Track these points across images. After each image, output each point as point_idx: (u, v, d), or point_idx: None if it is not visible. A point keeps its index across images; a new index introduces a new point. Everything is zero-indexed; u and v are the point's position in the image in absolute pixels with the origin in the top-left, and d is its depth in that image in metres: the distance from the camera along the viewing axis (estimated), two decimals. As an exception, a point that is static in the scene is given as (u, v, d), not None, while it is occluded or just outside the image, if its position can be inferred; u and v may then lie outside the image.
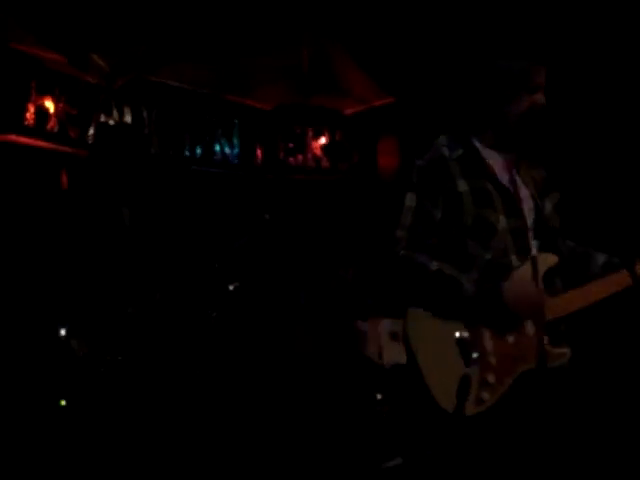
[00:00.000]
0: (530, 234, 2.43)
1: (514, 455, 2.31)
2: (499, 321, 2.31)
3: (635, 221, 3.90)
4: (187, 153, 5.79)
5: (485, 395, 2.27)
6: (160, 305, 3.65)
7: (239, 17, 4.90)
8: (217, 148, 5.98)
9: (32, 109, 4.81)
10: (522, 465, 2.32)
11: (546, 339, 2.33)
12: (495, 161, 2.48)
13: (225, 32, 5.09)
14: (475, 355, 2.24)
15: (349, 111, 6.59)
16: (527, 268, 2.34)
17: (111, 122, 5.33)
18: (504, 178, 2.46)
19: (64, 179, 5.25)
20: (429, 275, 2.33)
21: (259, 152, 6.25)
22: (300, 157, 6.41)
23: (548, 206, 2.50)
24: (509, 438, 2.31)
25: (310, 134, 6.47)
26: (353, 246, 5.72)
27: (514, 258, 2.38)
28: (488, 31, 4.50)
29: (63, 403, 3.85)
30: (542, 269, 2.37)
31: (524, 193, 2.46)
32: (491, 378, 2.29)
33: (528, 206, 2.45)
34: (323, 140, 6.51)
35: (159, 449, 3.56)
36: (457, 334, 2.26)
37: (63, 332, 3.38)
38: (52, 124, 4.93)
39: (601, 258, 2.52)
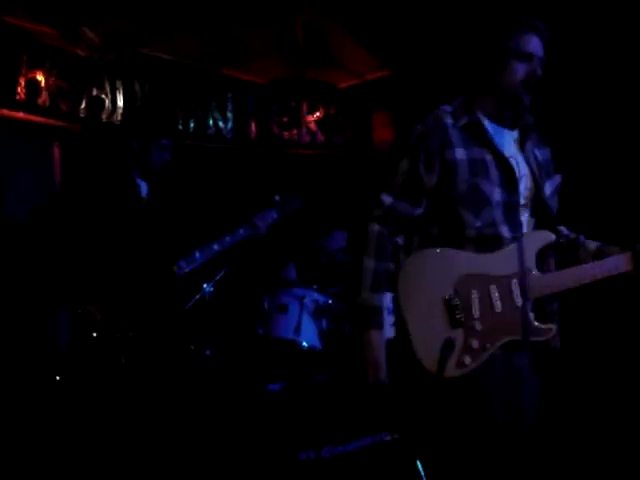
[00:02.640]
0: (523, 209, 2.46)
1: (489, 418, 2.35)
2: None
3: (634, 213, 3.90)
4: (180, 127, 5.75)
5: (467, 359, 2.32)
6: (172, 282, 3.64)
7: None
8: (210, 122, 5.94)
9: (23, 83, 4.75)
10: (502, 438, 2.36)
11: (532, 315, 2.36)
12: (499, 134, 2.49)
13: (219, 4, 5.04)
14: (461, 318, 2.32)
15: (343, 85, 6.55)
16: (515, 255, 2.37)
17: (104, 97, 5.29)
18: (505, 151, 2.46)
19: (57, 153, 5.22)
20: (361, 266, 2.47)
21: (253, 126, 6.21)
22: (295, 131, 6.38)
23: (548, 187, 2.52)
24: (487, 403, 2.34)
25: (304, 108, 6.42)
26: (349, 220, 5.70)
27: (504, 230, 2.41)
28: (483, 5, 4.46)
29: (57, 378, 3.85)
30: (536, 245, 2.40)
31: (524, 170, 2.48)
32: (475, 343, 2.33)
33: (526, 183, 2.48)
34: (317, 114, 6.47)
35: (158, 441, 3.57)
36: (446, 296, 2.34)
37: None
38: (43, 98, 4.88)
39: (592, 245, 2.53)
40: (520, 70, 2.40)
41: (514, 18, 2.45)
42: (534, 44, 2.42)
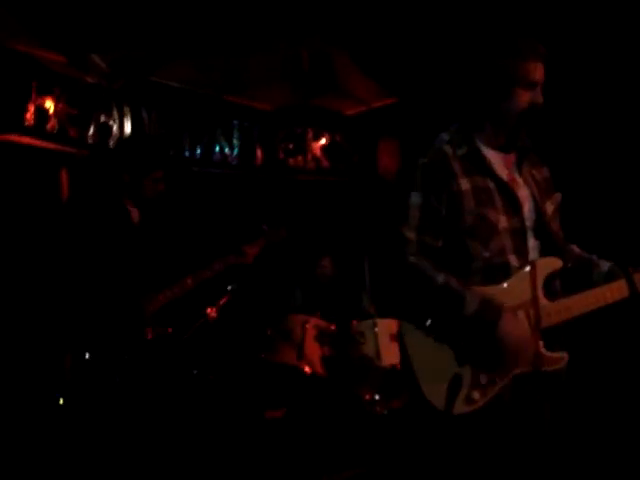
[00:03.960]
0: (529, 234, 2.44)
1: (503, 456, 2.32)
2: (486, 351, 2.29)
3: (635, 229, 3.90)
4: (187, 154, 5.79)
5: (476, 395, 2.28)
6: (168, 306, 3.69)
7: (239, 17, 4.90)
8: (217, 149, 5.98)
9: (32, 109, 4.81)
10: (511, 467, 2.34)
11: (542, 344, 2.33)
12: (497, 160, 2.48)
13: (225, 32, 5.09)
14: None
15: (349, 112, 6.58)
16: (526, 284, 2.33)
17: (112, 123, 5.35)
18: (505, 177, 2.46)
19: (64, 179, 5.27)
20: (435, 289, 2.32)
21: (259, 153, 6.24)
22: (300, 158, 6.40)
23: (549, 207, 2.50)
24: (499, 440, 2.32)
25: (310, 135, 6.46)
26: (352, 247, 5.73)
27: (512, 258, 2.39)
28: (487, 31, 4.50)
29: (61, 402, 3.86)
30: (543, 273, 2.37)
31: (524, 193, 2.47)
32: (483, 379, 2.29)
33: (528, 206, 2.46)
34: (323, 141, 6.50)
35: (158, 442, 3.58)
36: None
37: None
38: (52, 124, 4.94)
39: (605, 266, 2.52)
40: (524, 98, 2.40)
41: (519, 44, 2.42)
42: (538, 72, 2.41)
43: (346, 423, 4.39)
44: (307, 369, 4.43)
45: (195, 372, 4.34)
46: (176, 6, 4.68)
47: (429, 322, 2.35)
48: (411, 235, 2.39)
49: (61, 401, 3.77)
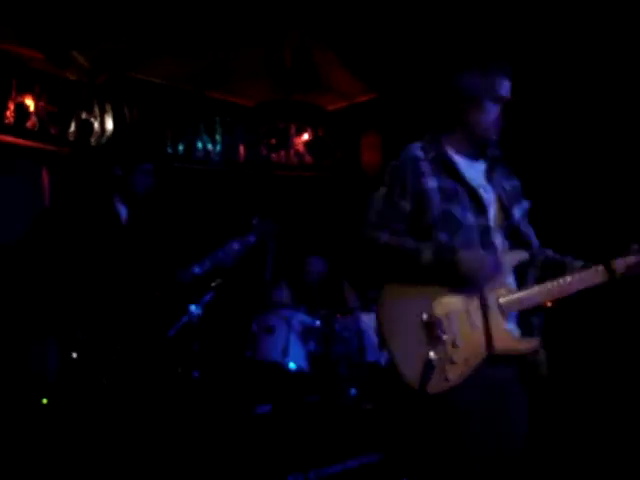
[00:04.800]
0: (495, 232, 2.56)
1: (480, 439, 2.37)
2: (457, 284, 2.41)
3: (611, 223, 3.97)
4: (169, 150, 5.78)
5: (450, 374, 2.37)
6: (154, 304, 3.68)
7: (221, 13, 4.89)
8: (199, 145, 5.97)
9: (12, 107, 4.79)
10: (489, 451, 2.38)
11: (505, 323, 2.44)
12: (465, 166, 2.60)
13: (207, 28, 5.08)
14: (441, 337, 2.37)
15: (332, 107, 6.59)
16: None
17: (93, 120, 5.32)
18: (472, 181, 2.57)
19: (45, 177, 5.24)
20: (391, 248, 2.45)
21: (241, 148, 6.24)
22: (283, 153, 6.41)
23: (517, 212, 2.62)
24: (475, 422, 2.37)
25: (293, 130, 6.47)
26: (336, 241, 5.73)
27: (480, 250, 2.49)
28: (468, 29, 4.53)
29: (45, 401, 3.84)
30: (510, 263, 2.51)
31: (491, 197, 2.59)
32: (457, 359, 2.38)
33: (494, 209, 2.58)
34: (306, 136, 6.51)
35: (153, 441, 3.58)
36: (424, 316, 2.40)
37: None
38: (32, 122, 4.92)
39: (578, 264, 2.60)
40: (493, 111, 2.53)
41: (490, 62, 2.57)
42: (506, 88, 2.55)
43: (331, 419, 4.41)
44: (292, 365, 4.43)
45: (180, 370, 4.33)
46: (158, 2, 4.67)
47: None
48: (371, 217, 2.53)
49: (44, 401, 3.76)
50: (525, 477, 2.47)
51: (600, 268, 2.50)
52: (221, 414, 4.46)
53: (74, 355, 3.33)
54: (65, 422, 3.38)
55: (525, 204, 2.67)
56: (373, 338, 4.45)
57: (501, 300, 2.45)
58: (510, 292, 2.48)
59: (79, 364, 3.33)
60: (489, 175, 2.63)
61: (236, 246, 3.91)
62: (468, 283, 2.42)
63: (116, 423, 3.35)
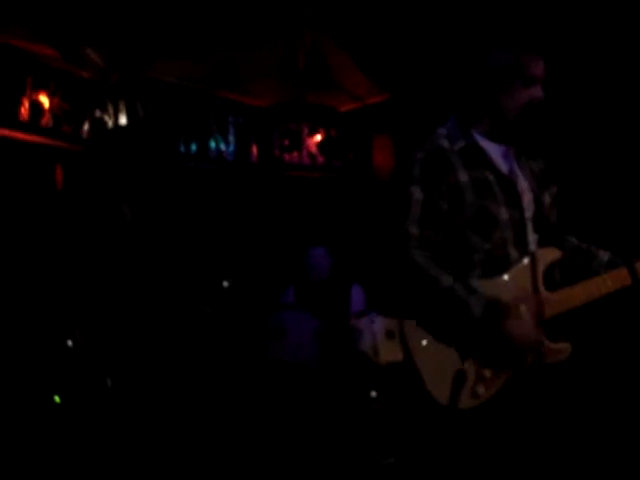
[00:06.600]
0: (528, 226, 2.43)
1: (509, 450, 2.32)
2: (495, 349, 2.27)
3: (635, 218, 3.91)
4: (182, 149, 5.77)
5: (480, 389, 2.26)
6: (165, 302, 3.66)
7: (235, 13, 4.89)
8: (212, 145, 5.97)
9: (27, 104, 4.79)
10: (517, 461, 2.34)
11: (544, 335, 2.30)
12: (495, 152, 2.46)
13: (220, 28, 5.08)
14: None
15: (344, 108, 6.58)
16: (526, 276, 2.33)
17: (107, 119, 5.32)
18: (504, 169, 2.44)
19: (59, 174, 5.24)
20: (439, 290, 2.27)
21: (254, 149, 6.24)
22: (295, 154, 6.40)
23: (547, 199, 2.49)
24: (504, 434, 2.31)
25: (305, 131, 6.46)
26: (345, 243, 5.72)
27: (512, 250, 2.37)
28: (484, 26, 4.50)
29: (57, 400, 3.84)
30: (543, 265, 2.37)
31: (523, 185, 2.45)
32: (487, 372, 2.28)
33: (527, 198, 2.44)
34: (318, 137, 6.50)
35: (156, 443, 3.56)
36: None
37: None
38: (47, 119, 4.92)
39: (605, 256, 2.51)
40: (524, 94, 2.38)
41: (519, 39, 2.43)
42: (540, 68, 2.40)
43: (343, 420, 4.39)
44: (305, 365, 4.43)
45: (189, 369, 4.33)
46: (172, 1, 4.67)
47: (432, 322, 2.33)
48: (414, 231, 2.34)
49: (57, 399, 3.75)
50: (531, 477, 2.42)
51: (625, 270, 2.39)
52: (229, 414, 4.45)
53: (69, 343, 3.32)
54: (72, 418, 3.37)
55: (553, 189, 2.52)
56: (386, 340, 4.43)
57: (535, 306, 2.29)
58: (545, 297, 2.33)
59: (81, 362, 3.32)
60: (518, 159, 2.49)
61: None
62: (506, 264, 2.33)
63: (122, 419, 3.34)
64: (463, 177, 2.37)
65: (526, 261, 2.37)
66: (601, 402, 3.99)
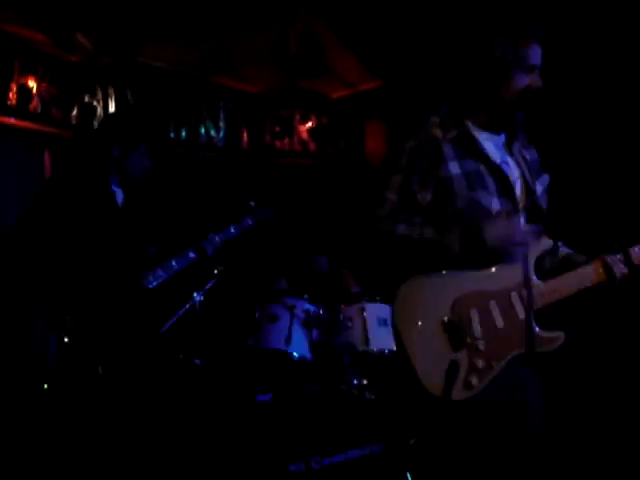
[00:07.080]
0: (521, 216, 2.42)
1: (501, 439, 2.31)
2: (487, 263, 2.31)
3: (630, 207, 3.90)
4: (172, 135, 5.73)
5: (474, 380, 2.26)
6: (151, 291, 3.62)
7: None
8: (202, 131, 5.93)
9: (15, 89, 4.73)
10: (508, 450, 2.33)
11: (535, 324, 2.30)
12: (488, 142, 2.45)
13: (212, 13, 5.03)
14: (463, 339, 2.26)
15: (336, 95, 6.55)
16: (518, 266, 2.32)
17: (95, 104, 5.27)
18: (497, 159, 2.43)
19: (47, 160, 5.19)
20: (411, 240, 2.33)
21: (245, 135, 6.20)
22: (287, 140, 6.37)
23: (539, 188, 2.48)
24: (496, 422, 2.30)
25: (297, 117, 6.42)
26: (339, 230, 5.69)
27: (505, 240, 2.33)
28: (479, 14, 4.47)
29: (45, 387, 3.81)
30: (535, 254, 2.36)
31: (515, 174, 2.45)
32: (480, 363, 2.27)
33: (519, 187, 2.44)
34: (310, 124, 6.47)
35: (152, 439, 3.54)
36: (445, 318, 2.28)
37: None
38: (35, 104, 4.86)
39: (583, 258, 2.49)
40: (522, 81, 2.36)
41: (517, 27, 2.38)
42: (537, 55, 2.38)
43: (334, 408, 4.38)
44: (295, 354, 4.40)
45: (181, 357, 4.30)
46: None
47: None
48: (382, 212, 2.40)
49: (45, 386, 3.72)
50: (536, 475, 2.42)
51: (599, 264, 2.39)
52: (222, 402, 4.43)
53: (66, 339, 3.28)
54: (63, 408, 3.34)
55: (546, 178, 2.51)
56: (377, 328, 4.41)
57: (527, 296, 2.30)
58: (537, 286, 2.32)
59: (72, 350, 3.28)
60: (510, 145, 2.48)
61: (233, 230, 3.86)
62: (499, 255, 2.31)
63: (114, 411, 3.31)
64: (454, 169, 2.37)
65: (518, 251, 2.35)
66: (596, 394, 4.00)
